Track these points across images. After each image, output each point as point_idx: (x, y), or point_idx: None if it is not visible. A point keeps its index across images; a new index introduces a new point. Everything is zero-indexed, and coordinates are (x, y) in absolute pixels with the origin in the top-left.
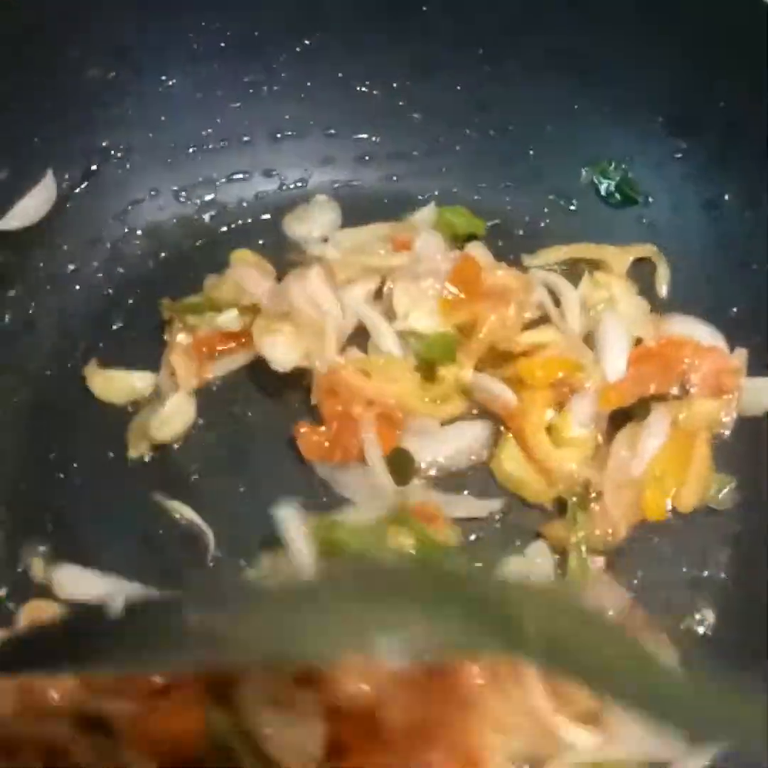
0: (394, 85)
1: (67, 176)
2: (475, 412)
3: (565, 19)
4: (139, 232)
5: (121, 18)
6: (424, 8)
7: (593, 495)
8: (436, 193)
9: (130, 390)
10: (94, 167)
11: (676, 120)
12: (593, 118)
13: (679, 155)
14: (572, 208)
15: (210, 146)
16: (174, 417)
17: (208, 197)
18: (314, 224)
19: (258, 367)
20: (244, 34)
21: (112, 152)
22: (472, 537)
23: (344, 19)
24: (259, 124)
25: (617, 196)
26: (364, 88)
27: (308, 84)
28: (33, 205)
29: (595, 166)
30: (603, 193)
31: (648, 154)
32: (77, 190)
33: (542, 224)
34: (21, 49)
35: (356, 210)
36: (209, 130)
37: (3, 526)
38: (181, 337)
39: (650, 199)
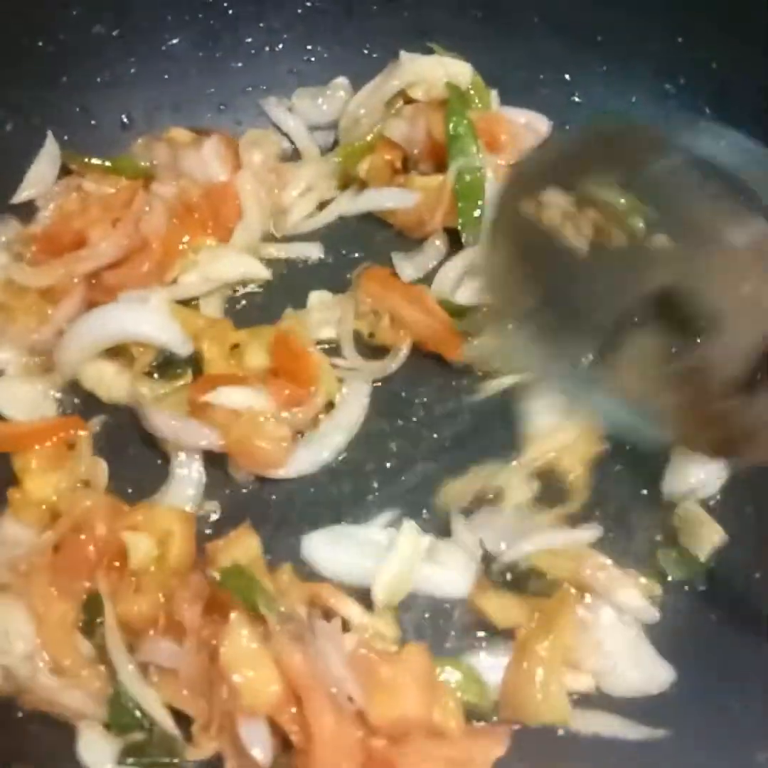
0: (394, 47)
1: (66, 137)
2: None
3: None
4: None
5: None
6: None
7: None
8: None
9: None
10: (93, 122)
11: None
12: (589, 78)
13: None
14: None
15: (212, 105)
16: None
17: None
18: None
19: None
20: None
21: (115, 110)
22: None
23: None
24: (260, 83)
25: None
26: (364, 50)
27: (308, 46)
28: (40, 172)
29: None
30: None
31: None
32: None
33: None
34: (24, 5)
35: None
36: (211, 90)
37: None
38: None
39: None
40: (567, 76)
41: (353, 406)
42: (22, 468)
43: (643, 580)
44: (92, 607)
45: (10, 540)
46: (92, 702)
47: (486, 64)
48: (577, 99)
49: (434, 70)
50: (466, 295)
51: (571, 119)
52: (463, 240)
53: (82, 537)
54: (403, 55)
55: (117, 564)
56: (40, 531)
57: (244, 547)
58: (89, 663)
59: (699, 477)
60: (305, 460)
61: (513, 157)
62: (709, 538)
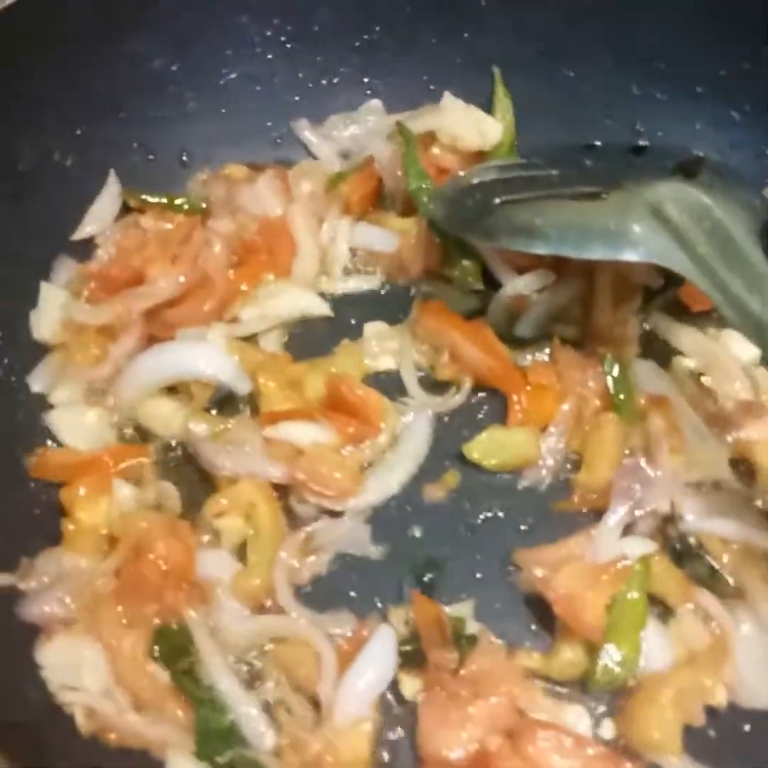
0: (451, 80)
1: (124, 173)
2: None
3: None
4: None
5: (183, 11)
6: (482, 3)
7: None
8: None
9: None
10: (151, 157)
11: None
12: (652, 106)
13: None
14: None
15: (269, 139)
16: None
17: None
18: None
19: None
20: (303, 29)
21: (173, 145)
22: None
23: (399, 15)
24: (317, 117)
25: None
26: (423, 82)
27: (365, 79)
28: (102, 209)
29: None
30: None
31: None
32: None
33: None
34: (84, 38)
35: None
36: (268, 123)
37: None
38: None
39: None
40: (630, 105)
41: (418, 435)
42: (70, 498)
43: None
44: (167, 637)
45: (71, 572)
46: (178, 732)
47: (544, 95)
48: (639, 128)
49: (466, 123)
50: (521, 326)
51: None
52: None
53: (145, 559)
54: (446, 98)
55: (184, 584)
56: (100, 559)
57: None
58: (169, 693)
59: None
60: (374, 490)
61: None
62: None
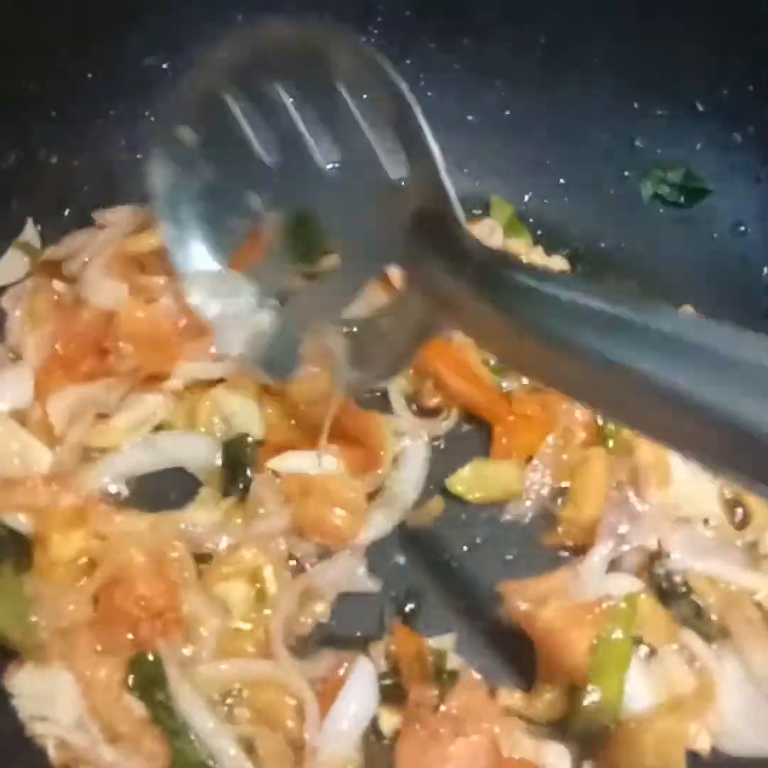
0: (450, 89)
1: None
2: None
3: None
4: None
5: (175, 7)
6: (483, 12)
7: None
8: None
9: None
10: (139, 156)
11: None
12: (650, 121)
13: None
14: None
15: None
16: None
17: None
18: None
19: None
20: None
21: None
22: None
23: (398, 18)
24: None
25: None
26: (418, 89)
27: None
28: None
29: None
30: (670, 199)
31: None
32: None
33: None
34: (73, 36)
35: None
36: None
37: None
38: None
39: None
40: (629, 120)
41: (416, 461)
42: (44, 527)
43: None
44: (141, 666)
45: (44, 595)
46: (153, 767)
47: (541, 107)
48: (638, 144)
49: None
50: None
51: (632, 165)
52: None
53: (124, 592)
54: None
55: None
56: (74, 585)
57: None
58: (144, 725)
59: None
60: (378, 525)
61: None
62: None
